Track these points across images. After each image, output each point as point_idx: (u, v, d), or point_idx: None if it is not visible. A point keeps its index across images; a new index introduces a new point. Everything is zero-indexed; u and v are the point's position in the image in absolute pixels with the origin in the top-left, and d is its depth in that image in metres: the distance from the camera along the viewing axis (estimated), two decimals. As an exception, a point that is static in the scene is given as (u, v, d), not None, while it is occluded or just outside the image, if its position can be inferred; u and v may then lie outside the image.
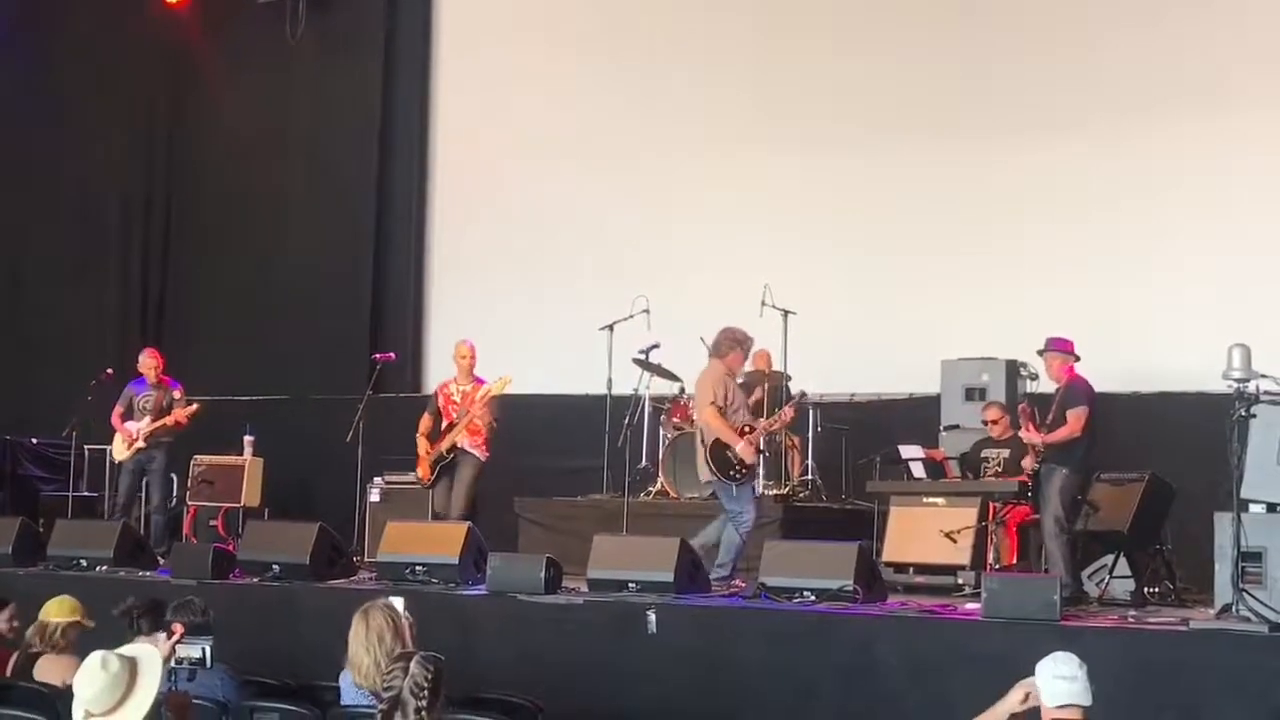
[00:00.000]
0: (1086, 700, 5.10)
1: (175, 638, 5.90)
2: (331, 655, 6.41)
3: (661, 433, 11.80)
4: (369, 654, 5.72)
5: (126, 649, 5.05)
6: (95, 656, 4.66)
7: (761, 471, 11.39)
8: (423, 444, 10.82)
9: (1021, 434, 9.17)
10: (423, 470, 10.83)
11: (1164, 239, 11.95)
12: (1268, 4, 11.90)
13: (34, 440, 14.76)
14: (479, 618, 8.56)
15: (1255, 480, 7.74)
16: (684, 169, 13.68)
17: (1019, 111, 12.55)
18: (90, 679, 4.62)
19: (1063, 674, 5.14)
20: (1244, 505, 7.60)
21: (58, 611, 6.99)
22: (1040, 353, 9.40)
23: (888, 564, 9.72)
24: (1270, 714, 6.67)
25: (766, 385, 11.78)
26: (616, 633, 8.11)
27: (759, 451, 9.59)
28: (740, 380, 12.17)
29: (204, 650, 5.79)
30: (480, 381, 10.91)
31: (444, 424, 10.79)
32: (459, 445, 10.71)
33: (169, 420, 11.67)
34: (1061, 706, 5.11)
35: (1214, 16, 12.03)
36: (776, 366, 11.83)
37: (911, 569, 9.73)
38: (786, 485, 11.55)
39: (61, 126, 15.99)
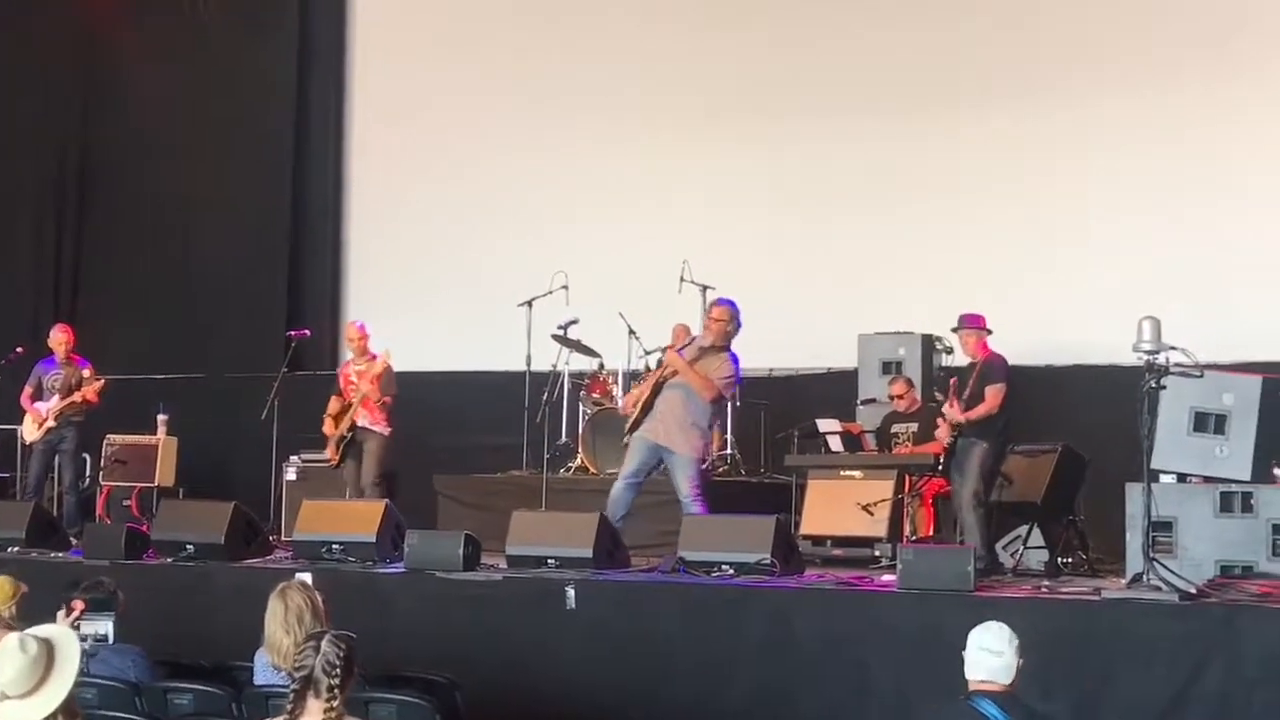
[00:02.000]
0: (1006, 679, 5.10)
1: (75, 614, 5.83)
2: (247, 635, 6.35)
3: (581, 408, 11.80)
4: (289, 635, 5.67)
5: (41, 630, 4.96)
6: (12, 639, 4.56)
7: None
8: (329, 425, 10.86)
9: (945, 410, 9.23)
10: (330, 452, 10.86)
11: (1076, 213, 12.07)
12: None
13: (-59, 421, 14.49)
14: (397, 596, 8.51)
15: (1165, 451, 7.88)
16: (600, 145, 13.63)
17: (930, 88, 12.61)
18: (8, 662, 4.52)
19: (990, 647, 5.13)
20: (1155, 475, 7.74)
21: (3, 595, 6.81)
22: (954, 329, 9.45)
23: (806, 537, 9.76)
24: (1180, 681, 6.78)
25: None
26: (535, 609, 8.09)
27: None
28: (659, 355, 12.22)
29: (110, 626, 5.73)
30: (375, 358, 10.93)
31: (347, 404, 10.83)
32: (359, 424, 10.73)
33: (78, 398, 11.50)
34: (982, 680, 5.12)
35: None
36: (698, 342, 11.85)
37: (830, 542, 9.78)
38: (705, 460, 11.55)
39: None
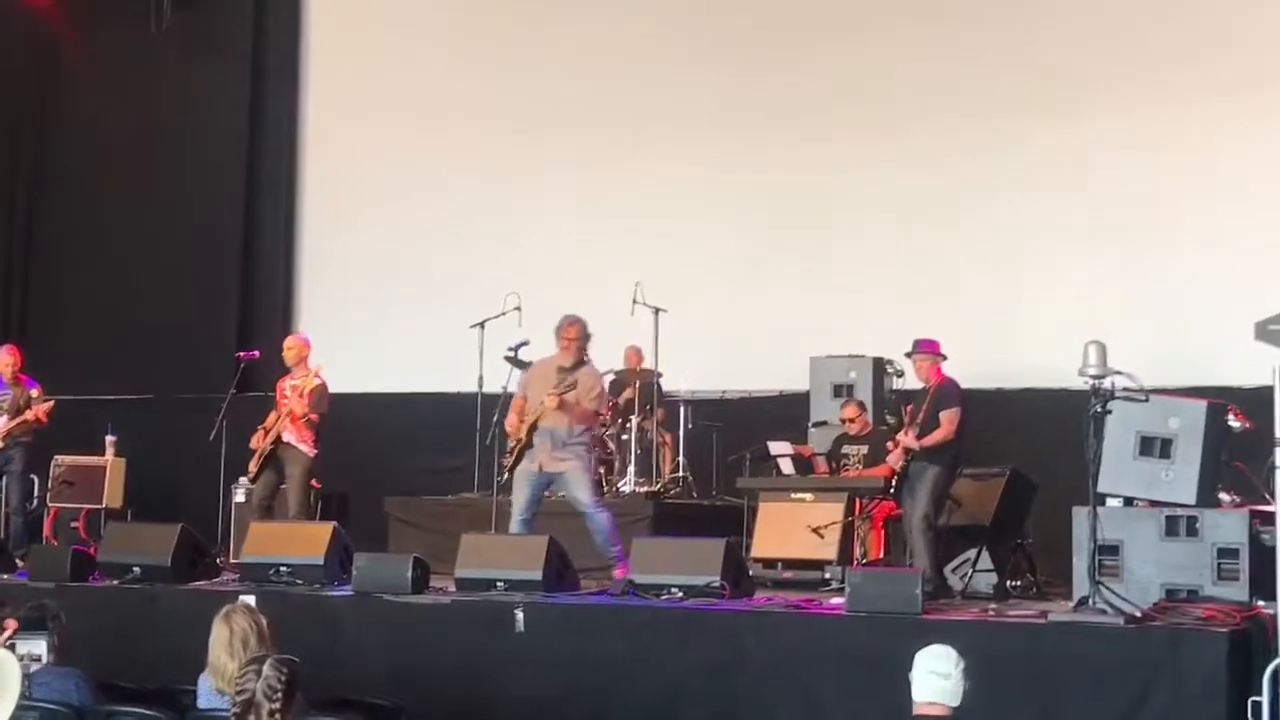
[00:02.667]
0: (953, 701, 5.11)
1: (6, 634, 5.76)
2: (192, 658, 6.28)
3: (533, 431, 11.77)
4: (233, 658, 5.61)
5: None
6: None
7: (633, 468, 11.50)
8: (259, 437, 10.54)
9: (900, 438, 9.25)
10: (252, 463, 10.55)
11: (1026, 238, 12.18)
12: (1122, 6, 12.18)
13: (-114, 442, 14.32)
14: (345, 619, 8.45)
15: (1112, 474, 7.92)
16: (556, 168, 13.67)
17: (883, 114, 12.71)
18: None
19: (936, 669, 5.14)
20: (1101, 499, 7.76)
21: None
22: (908, 354, 9.49)
23: (757, 559, 9.77)
24: (1126, 704, 6.81)
25: (638, 383, 11.85)
26: (484, 632, 8.05)
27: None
28: (611, 377, 12.26)
29: (44, 646, 5.67)
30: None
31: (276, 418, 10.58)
32: (284, 438, 10.43)
33: (30, 416, 11.39)
34: (929, 703, 5.12)
35: (1070, 22, 12.28)
36: (648, 364, 11.89)
37: (780, 564, 9.79)
38: (658, 482, 11.62)
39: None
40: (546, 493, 9.52)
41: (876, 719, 6.98)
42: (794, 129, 12.91)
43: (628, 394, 12.02)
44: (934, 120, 12.52)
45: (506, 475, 9.46)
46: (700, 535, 9.09)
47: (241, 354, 11.31)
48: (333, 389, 12.62)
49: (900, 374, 11.52)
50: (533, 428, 9.29)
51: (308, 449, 10.47)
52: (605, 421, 11.35)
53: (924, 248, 12.41)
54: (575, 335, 9.44)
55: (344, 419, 13.24)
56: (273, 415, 10.65)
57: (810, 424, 11.56)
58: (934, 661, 5.16)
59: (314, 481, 10.82)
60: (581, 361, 9.45)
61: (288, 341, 10.84)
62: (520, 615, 7.94)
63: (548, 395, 9.18)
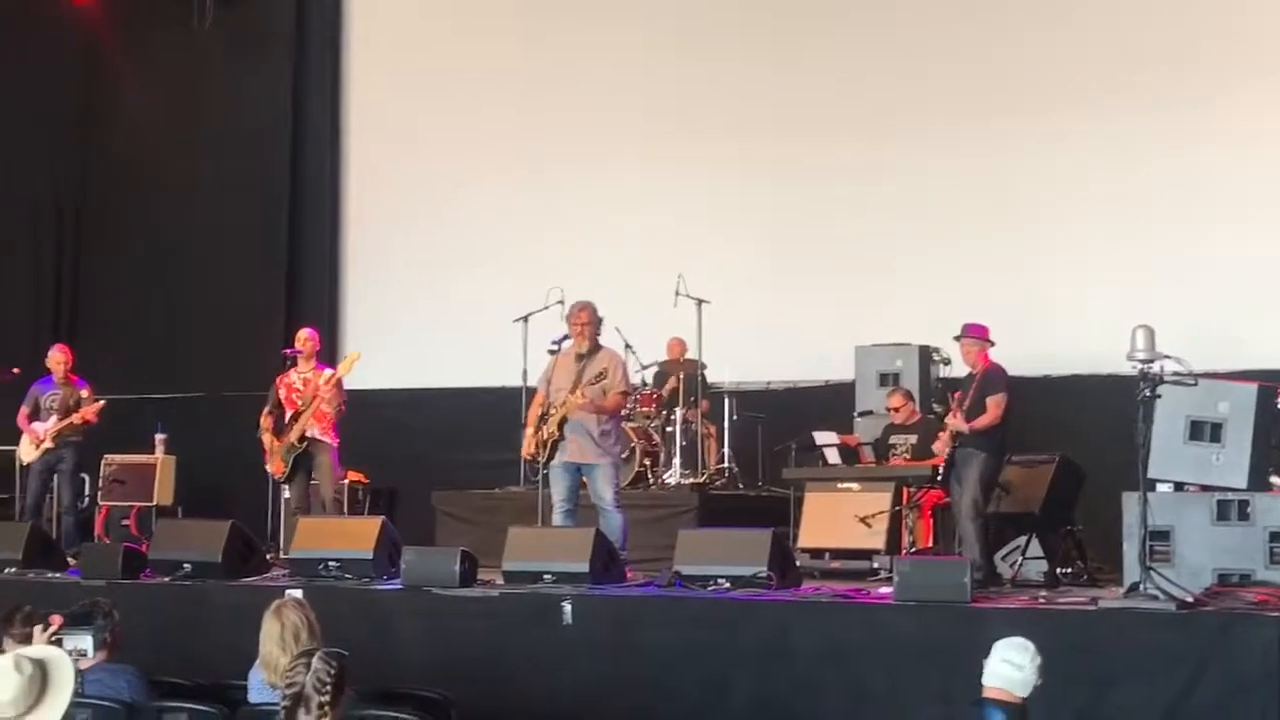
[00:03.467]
0: (1022, 692, 5.20)
1: (53, 628, 5.81)
2: (243, 653, 6.34)
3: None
4: (285, 652, 5.65)
5: (34, 650, 4.95)
6: (6, 659, 4.55)
7: (678, 460, 11.50)
8: (268, 439, 10.56)
9: (948, 421, 9.24)
10: (275, 465, 10.57)
11: (1073, 224, 12.09)
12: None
13: (-63, 442, 14.49)
14: (393, 613, 8.50)
15: (1161, 460, 7.86)
16: (599, 159, 13.66)
17: (927, 102, 12.62)
18: (3, 683, 4.49)
19: (1011, 659, 5.24)
20: (1151, 484, 7.71)
21: None
22: (956, 339, 9.45)
23: (804, 550, 9.77)
24: (1178, 690, 6.77)
25: (682, 374, 11.84)
26: (532, 625, 8.08)
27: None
28: (655, 369, 12.28)
29: (89, 642, 5.71)
30: (322, 367, 10.77)
31: (288, 415, 10.57)
32: (309, 434, 10.46)
33: (77, 418, 11.49)
34: (997, 689, 5.18)
35: (1117, 9, 12.19)
36: (691, 355, 11.89)
37: (827, 554, 9.79)
38: (703, 474, 11.60)
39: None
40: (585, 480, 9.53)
41: (926, 709, 6.98)
42: (835, 117, 12.86)
43: (671, 385, 12.02)
44: (978, 108, 12.44)
45: (544, 470, 9.48)
46: (745, 526, 9.07)
47: (289, 350, 11.33)
48: (379, 385, 12.82)
49: (947, 362, 11.47)
50: (563, 421, 9.34)
51: (332, 440, 10.57)
52: (637, 398, 11.39)
53: (971, 234, 12.33)
54: (587, 319, 9.49)
55: (391, 415, 13.45)
56: (266, 415, 10.62)
57: (856, 414, 11.53)
58: (1010, 651, 5.28)
59: (347, 473, 10.88)
60: (597, 346, 9.47)
61: (302, 334, 10.90)
62: (568, 607, 7.96)
63: (579, 394, 9.19)
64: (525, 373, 11.04)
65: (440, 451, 13.35)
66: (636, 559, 9.37)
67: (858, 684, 7.31)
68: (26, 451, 11.65)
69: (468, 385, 13.47)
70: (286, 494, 11.41)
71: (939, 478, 9.34)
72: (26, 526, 10.41)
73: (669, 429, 11.74)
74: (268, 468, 10.73)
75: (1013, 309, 11.40)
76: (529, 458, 9.63)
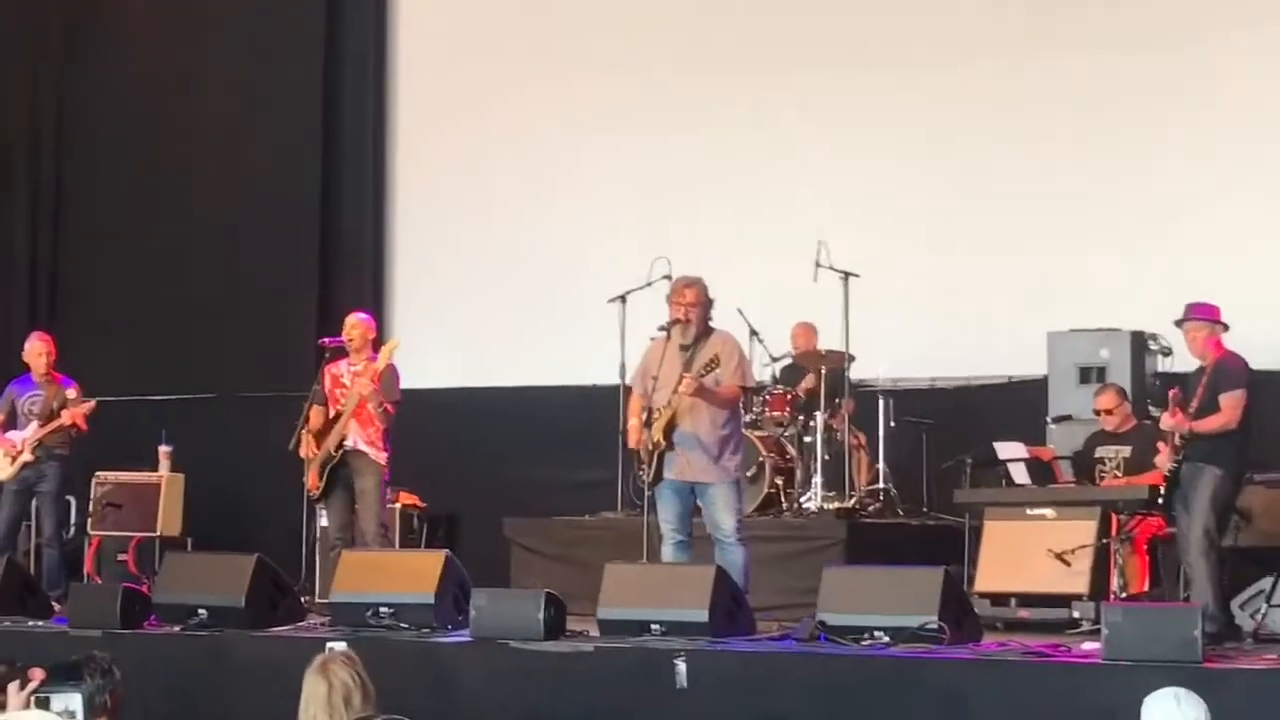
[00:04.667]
0: None
1: (33, 684, 5.92)
2: (275, 721, 6.46)
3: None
4: (332, 719, 5.75)
5: (22, 717, 5.07)
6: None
7: (819, 479, 11.50)
8: (311, 445, 10.62)
9: (1164, 420, 9.17)
10: (311, 478, 10.63)
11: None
12: None
13: (-109, 457, 14.80)
14: (462, 670, 8.60)
15: None
16: (712, 95, 13.65)
17: (1153, 16, 12.53)
18: None
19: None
20: None
21: None
22: (1178, 323, 9.39)
23: (982, 594, 9.74)
24: None
25: (822, 369, 11.82)
26: (636, 687, 8.13)
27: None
28: (788, 362, 12.27)
29: (79, 703, 5.82)
30: (376, 358, 10.70)
31: (333, 415, 10.63)
32: (349, 443, 10.54)
33: (66, 421, 11.66)
34: None
35: None
36: (835, 345, 11.86)
37: (1013, 600, 9.75)
38: (851, 497, 11.60)
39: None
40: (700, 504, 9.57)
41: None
42: (1022, 41, 12.82)
43: (808, 384, 12.01)
44: (1219, 24, 12.29)
45: (649, 489, 9.51)
46: (908, 563, 9.07)
47: (326, 340, 11.44)
48: (434, 384, 12.87)
49: (1168, 352, 11.38)
50: (669, 426, 9.36)
51: (378, 453, 10.58)
52: (766, 399, 11.40)
53: (1195, 192, 12.23)
54: (694, 299, 9.52)
55: (449, 422, 13.52)
56: (317, 413, 10.70)
57: (1049, 418, 11.49)
58: (1179, 710, 5.14)
59: (397, 495, 10.95)
60: (708, 330, 9.52)
61: (350, 320, 10.94)
62: (682, 666, 7.99)
63: (684, 382, 9.23)
64: (623, 366, 11.10)
65: (513, 468, 13.43)
66: (764, 605, 9.39)
67: (1057, 767, 7.30)
68: (0, 467, 11.85)
69: (546, 383, 13.56)
70: (324, 521, 11.52)
71: (1159, 500, 9.27)
72: (0, 562, 10.60)
73: (807, 439, 11.75)
74: (305, 479, 10.81)
75: (1256, 285, 11.30)
76: (636, 447, 9.56)
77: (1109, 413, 10.66)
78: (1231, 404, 8.95)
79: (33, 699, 5.89)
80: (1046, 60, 12.74)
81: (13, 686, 6.08)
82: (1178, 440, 9.03)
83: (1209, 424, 8.94)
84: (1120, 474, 10.34)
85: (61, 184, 16.10)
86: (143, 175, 15.59)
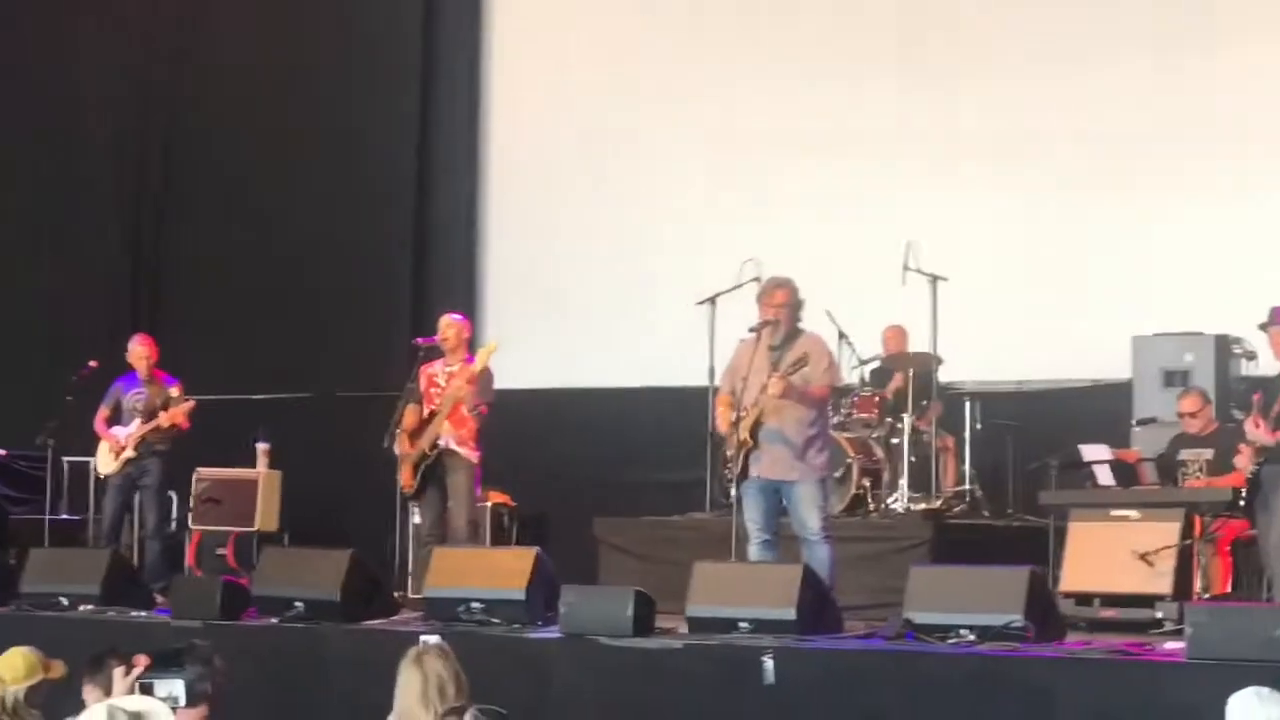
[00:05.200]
0: None
1: (137, 670, 5.99)
2: (367, 711, 6.51)
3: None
4: (427, 709, 5.78)
5: (130, 702, 5.13)
6: (100, 709, 4.74)
7: (905, 480, 11.47)
8: (404, 443, 10.72)
9: (1247, 429, 9.10)
10: (405, 476, 10.72)
11: None
12: None
13: (1, 451, 14.99)
14: (551, 666, 8.63)
15: None
16: (800, 97, 13.64)
17: (1235, 11, 12.44)
18: None
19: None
20: None
21: (14, 675, 7.03)
22: (1263, 327, 9.34)
23: (1067, 594, 9.66)
24: None
25: (910, 371, 11.79)
26: (724, 684, 8.13)
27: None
28: (876, 364, 12.24)
29: (181, 689, 5.89)
30: (471, 359, 10.78)
31: (428, 414, 10.70)
32: (442, 443, 10.60)
33: (165, 422, 11.77)
34: None
35: None
36: (924, 346, 11.84)
37: (1097, 600, 9.66)
38: (938, 498, 11.59)
39: (33, 60, 16.15)
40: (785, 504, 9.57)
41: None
42: (1116, 40, 12.72)
43: (897, 384, 11.98)
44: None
45: (736, 488, 9.51)
46: (994, 563, 9.03)
47: (420, 340, 11.52)
48: (525, 385, 12.91)
49: (1253, 356, 11.32)
50: (756, 424, 9.35)
51: (470, 453, 10.68)
52: (854, 401, 11.38)
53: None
54: (783, 300, 9.51)
55: (539, 422, 13.55)
56: (412, 412, 10.78)
57: (1134, 422, 11.45)
58: (1265, 709, 5.08)
59: (488, 494, 10.97)
60: (796, 332, 9.52)
61: (445, 320, 11.02)
62: (769, 663, 7.99)
63: (771, 381, 9.22)
64: (711, 369, 11.08)
65: (603, 468, 13.46)
66: (850, 604, 9.37)
67: (1141, 765, 7.26)
68: (104, 462, 11.97)
69: (636, 385, 13.58)
70: (416, 518, 11.60)
71: (1241, 503, 9.19)
72: (105, 554, 10.75)
73: (894, 441, 11.74)
74: (398, 476, 10.90)
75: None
76: (724, 432, 9.56)
77: (1192, 416, 10.62)
78: (1312, 409, 8.90)
79: (137, 684, 5.99)
80: (1133, 62, 12.67)
81: (118, 672, 6.19)
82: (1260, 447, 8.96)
83: (1289, 433, 8.89)
84: (1203, 476, 10.28)
85: (164, 191, 16.25)
86: (242, 180, 15.71)
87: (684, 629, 8.71)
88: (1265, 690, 5.15)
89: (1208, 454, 10.37)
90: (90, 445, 12.48)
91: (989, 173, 13.03)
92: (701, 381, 11.19)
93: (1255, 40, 12.32)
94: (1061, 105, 12.83)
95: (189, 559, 13.08)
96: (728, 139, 13.90)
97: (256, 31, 15.75)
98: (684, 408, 11.97)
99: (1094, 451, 10.87)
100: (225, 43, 15.95)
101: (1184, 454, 10.55)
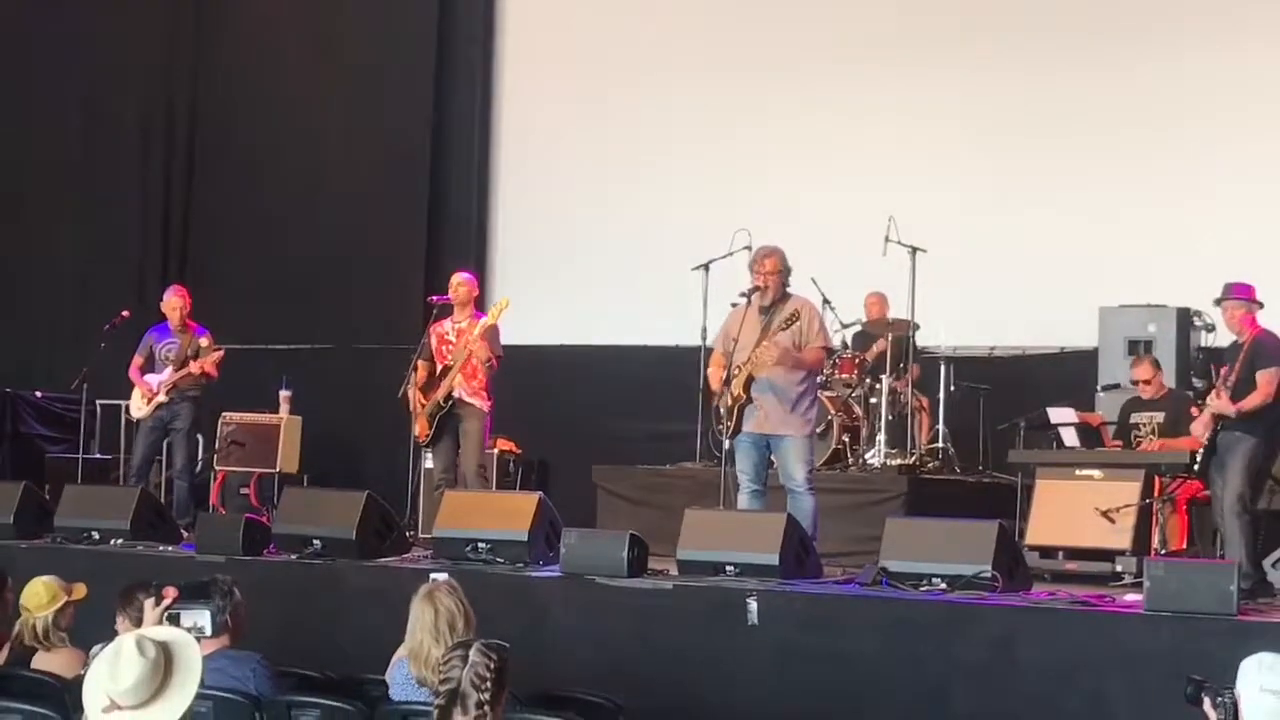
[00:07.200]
0: None
1: (166, 601, 6.00)
2: (380, 644, 6.51)
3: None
4: (438, 643, 5.78)
5: (158, 632, 5.08)
6: (129, 640, 4.67)
7: (883, 437, 11.47)
8: (417, 397, 10.77)
9: (1211, 402, 9.08)
10: (420, 426, 10.77)
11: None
12: None
13: (38, 394, 15.00)
14: (551, 603, 8.62)
15: None
16: (789, 79, 13.62)
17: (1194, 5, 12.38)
18: (127, 667, 4.60)
19: (1273, 687, 4.93)
20: None
21: (37, 602, 7.01)
22: (1218, 301, 9.30)
23: (1032, 547, 9.68)
24: None
25: (889, 336, 11.79)
26: (711, 623, 8.12)
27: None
28: (857, 329, 12.24)
29: (208, 619, 5.90)
30: (479, 315, 10.88)
31: (439, 369, 10.76)
32: (456, 394, 10.64)
33: (195, 369, 11.74)
34: None
35: None
36: (903, 313, 11.83)
37: (1061, 553, 9.69)
38: (913, 454, 11.58)
39: (67, 29, 16.09)
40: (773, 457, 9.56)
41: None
42: (1080, 26, 12.69)
43: (877, 349, 11.98)
44: (1263, 17, 12.13)
45: (728, 441, 9.50)
46: (965, 517, 9.02)
47: (434, 298, 11.52)
48: (531, 341, 12.94)
49: (1211, 328, 11.30)
50: (749, 382, 9.32)
51: (483, 402, 10.74)
52: (836, 362, 11.38)
53: (1244, 171, 12.08)
54: (774, 267, 9.45)
55: (544, 376, 13.58)
56: (421, 367, 10.83)
57: (1099, 387, 11.42)
58: (1270, 677, 4.93)
59: (496, 441, 10.98)
60: (785, 295, 9.48)
61: (456, 279, 11.05)
62: (753, 605, 7.98)
63: (767, 341, 9.19)
64: (705, 329, 11.10)
65: (602, 419, 13.49)
66: (830, 552, 9.37)
67: (1099, 705, 7.25)
68: (137, 406, 11.93)
69: (635, 343, 13.60)
70: (428, 463, 11.61)
71: (1196, 465, 9.19)
72: (136, 492, 10.71)
73: (873, 400, 11.73)
74: (414, 429, 10.92)
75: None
76: (717, 391, 9.48)
77: (1146, 382, 10.67)
78: (1267, 380, 8.86)
79: (165, 615, 5.99)
80: (1105, 44, 12.62)
81: (149, 603, 6.18)
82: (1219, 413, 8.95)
83: (1250, 403, 8.85)
84: (1155, 437, 10.31)
85: (195, 151, 16.24)
86: (269, 142, 15.70)
87: (674, 571, 8.70)
88: (1269, 656, 4.99)
89: (1159, 417, 10.42)
90: (121, 389, 12.46)
91: (966, 151, 13.01)
92: (694, 341, 11.21)
93: (1208, 21, 12.27)
94: (1035, 85, 12.80)
95: (213, 498, 13.10)
96: (722, 122, 13.88)
97: (286, 9, 15.69)
98: (678, 365, 12.00)
99: (1060, 414, 10.88)
100: (254, 14, 15.90)
101: (1136, 417, 10.58)
